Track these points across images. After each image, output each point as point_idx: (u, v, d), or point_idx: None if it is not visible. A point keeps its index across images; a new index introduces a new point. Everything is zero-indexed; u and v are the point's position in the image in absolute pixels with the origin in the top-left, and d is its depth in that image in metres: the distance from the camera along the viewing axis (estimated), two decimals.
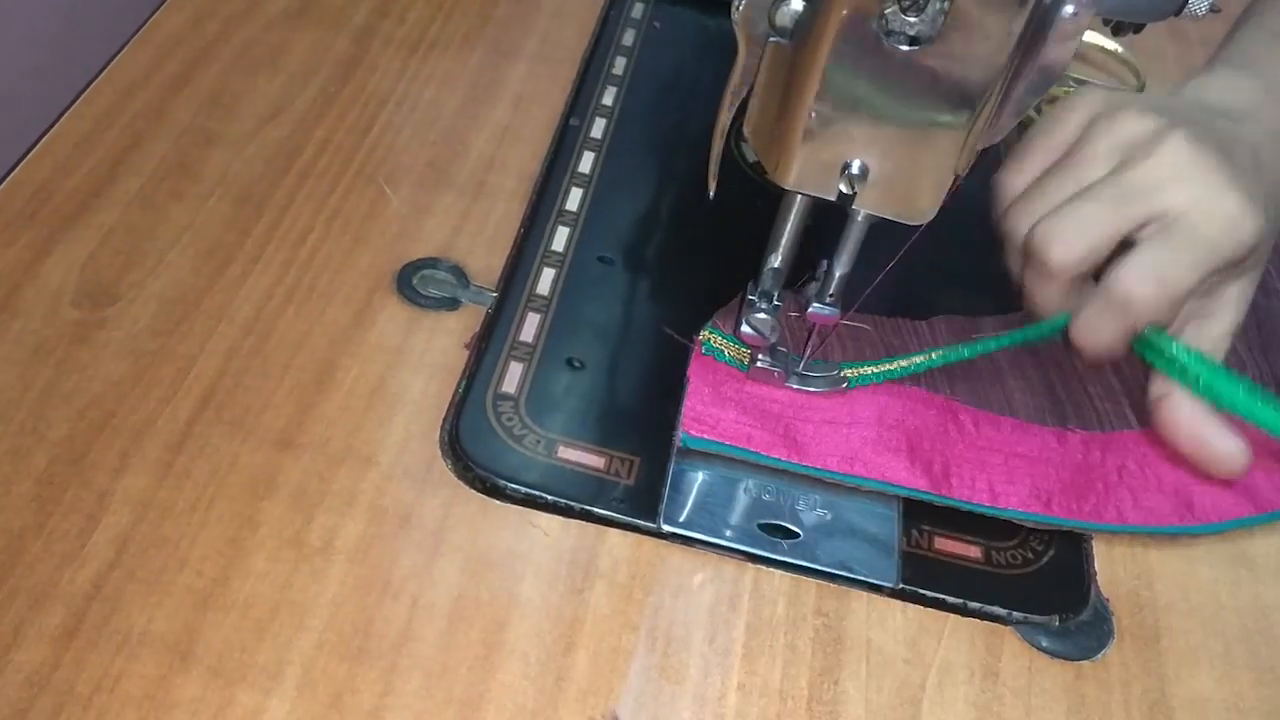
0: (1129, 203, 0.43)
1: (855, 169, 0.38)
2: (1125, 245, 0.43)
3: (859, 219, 0.41)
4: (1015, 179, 0.47)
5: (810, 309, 0.44)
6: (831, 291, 0.44)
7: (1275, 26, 0.54)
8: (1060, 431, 0.48)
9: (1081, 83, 0.67)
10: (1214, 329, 0.46)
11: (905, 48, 0.35)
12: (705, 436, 0.45)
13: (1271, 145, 0.47)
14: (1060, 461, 0.47)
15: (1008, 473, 0.46)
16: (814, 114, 0.37)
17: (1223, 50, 0.55)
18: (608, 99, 0.62)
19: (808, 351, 0.47)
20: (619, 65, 0.65)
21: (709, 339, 0.48)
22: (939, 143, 0.37)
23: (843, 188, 0.39)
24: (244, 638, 0.38)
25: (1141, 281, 0.42)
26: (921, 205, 0.39)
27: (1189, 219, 0.42)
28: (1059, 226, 0.43)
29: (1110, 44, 0.70)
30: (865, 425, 0.47)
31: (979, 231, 0.47)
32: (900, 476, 0.45)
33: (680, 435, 0.45)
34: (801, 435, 0.46)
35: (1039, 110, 0.64)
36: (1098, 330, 0.43)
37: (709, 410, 0.46)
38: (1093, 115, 0.46)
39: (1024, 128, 0.63)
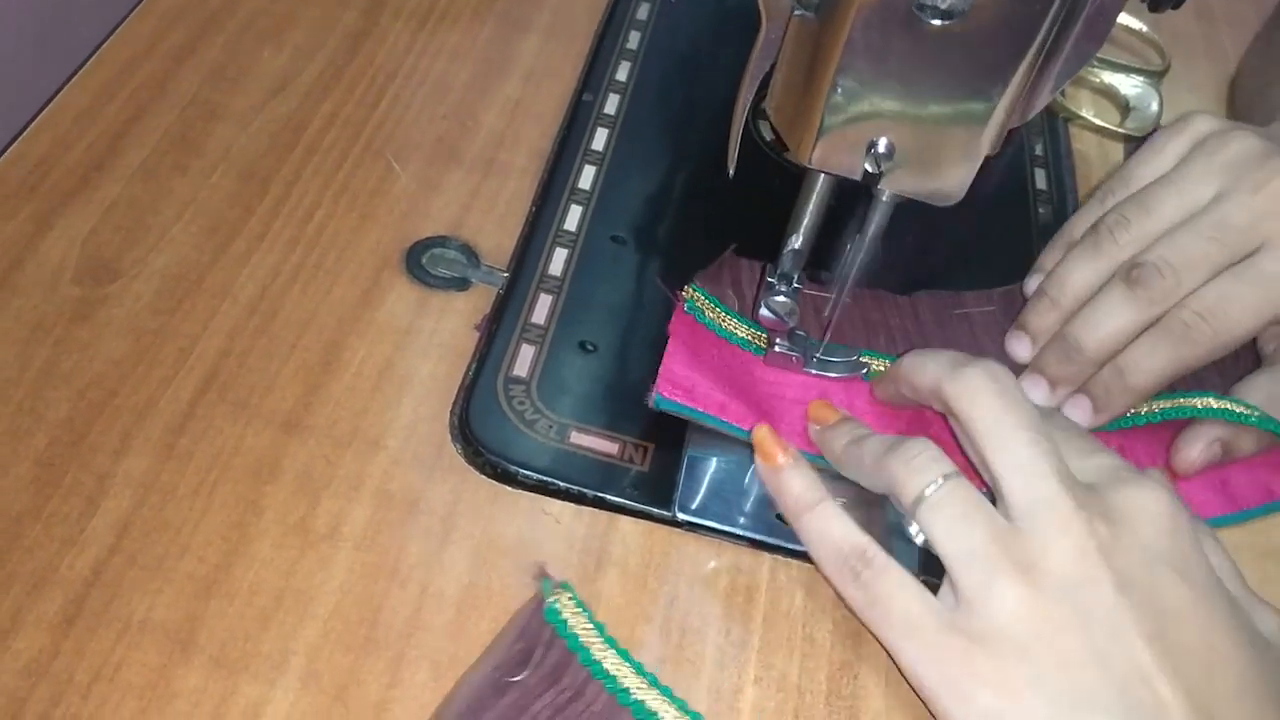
0: (1231, 238, 0.43)
1: (881, 148, 0.37)
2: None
3: (884, 199, 0.40)
4: (1120, 189, 0.47)
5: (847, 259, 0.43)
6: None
7: None
8: None
9: (1107, 63, 0.66)
10: None
11: (936, 22, 0.33)
12: (678, 400, 0.44)
13: None
14: None
15: None
16: (839, 90, 0.36)
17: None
18: (621, 74, 0.61)
19: (827, 336, 0.46)
20: (633, 39, 0.63)
21: (692, 297, 0.47)
22: (969, 121, 0.36)
23: (868, 167, 0.38)
24: (247, 626, 0.37)
25: (1200, 316, 0.43)
26: (950, 185, 0.38)
27: (1273, 252, 0.43)
28: (1173, 262, 0.43)
29: (1135, 23, 0.69)
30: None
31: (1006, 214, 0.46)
32: None
33: (653, 395, 0.44)
34: (773, 410, 0.45)
35: (1064, 94, 0.63)
36: (1154, 361, 0.44)
37: (685, 373, 0.45)
38: (1201, 136, 0.47)
39: (1050, 113, 0.62)
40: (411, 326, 0.47)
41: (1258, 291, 0.43)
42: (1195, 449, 0.44)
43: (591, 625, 0.37)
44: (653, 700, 0.36)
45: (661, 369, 0.44)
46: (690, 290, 0.47)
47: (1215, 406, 0.44)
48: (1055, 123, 0.62)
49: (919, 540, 0.37)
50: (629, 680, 0.36)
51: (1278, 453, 0.46)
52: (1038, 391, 0.45)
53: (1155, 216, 0.45)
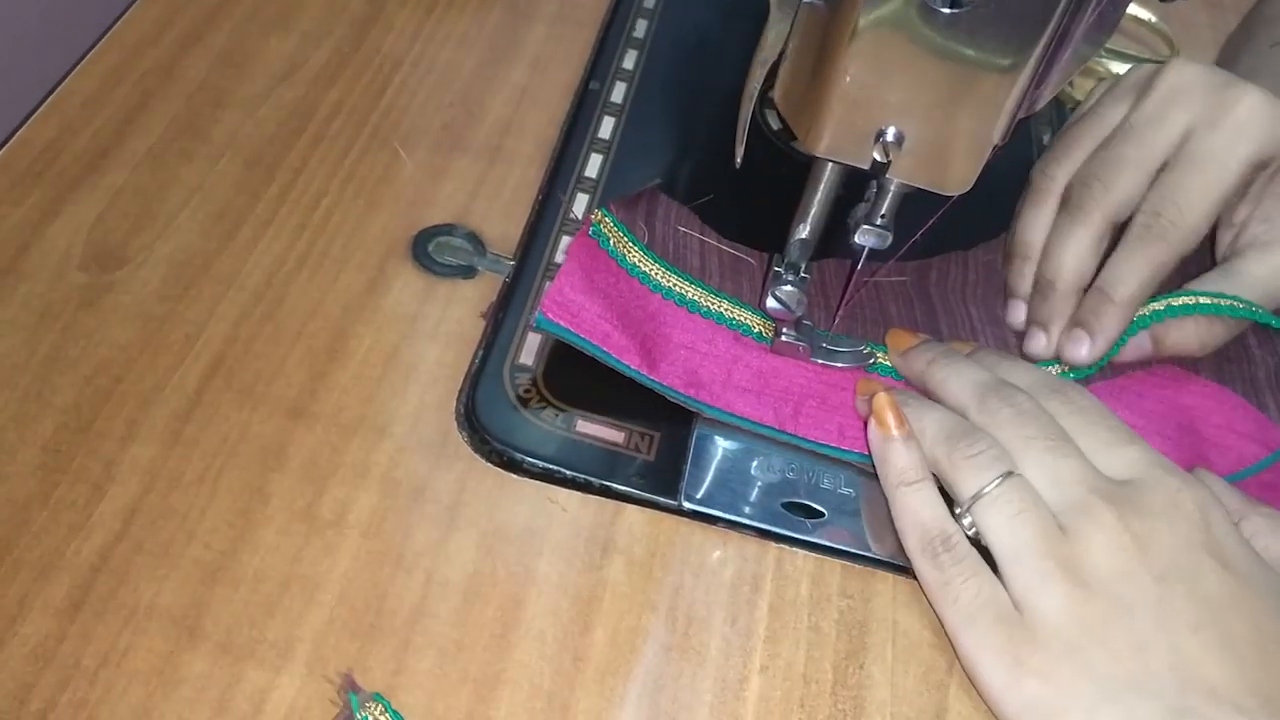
0: (1146, 135, 0.44)
1: (890, 136, 0.37)
2: None
3: (892, 188, 0.40)
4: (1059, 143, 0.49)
5: (859, 234, 0.42)
6: (883, 212, 0.42)
7: (1275, 38, 0.57)
8: None
9: (1114, 53, 0.65)
10: (1267, 263, 0.45)
11: (946, 10, 0.33)
12: (561, 323, 0.44)
13: None
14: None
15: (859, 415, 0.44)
16: (848, 79, 0.35)
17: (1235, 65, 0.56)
18: (628, 62, 0.61)
19: (837, 316, 0.46)
20: (640, 28, 0.63)
21: (599, 221, 0.47)
22: (978, 110, 0.36)
23: (877, 156, 0.37)
24: (253, 613, 0.37)
25: (1154, 213, 0.44)
26: (958, 175, 0.38)
27: (1196, 134, 0.44)
28: (1095, 171, 0.45)
29: (1144, 13, 0.68)
30: (720, 359, 0.45)
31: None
32: (742, 408, 0.44)
33: (536, 315, 0.44)
34: (657, 349, 0.45)
35: (1072, 84, 0.63)
36: (1130, 269, 0.44)
37: (575, 297, 0.44)
38: (1114, 81, 0.49)
39: (1059, 103, 0.62)
40: (418, 314, 0.47)
41: (1196, 176, 0.43)
42: (1126, 350, 0.45)
43: None
44: None
45: (551, 289, 0.44)
46: (599, 214, 0.47)
47: (1160, 308, 0.45)
48: (1063, 112, 0.62)
49: (970, 532, 0.38)
50: None
51: (1245, 420, 0.46)
52: (1037, 342, 0.46)
53: (1077, 146, 0.47)
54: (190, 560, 0.39)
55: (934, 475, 0.40)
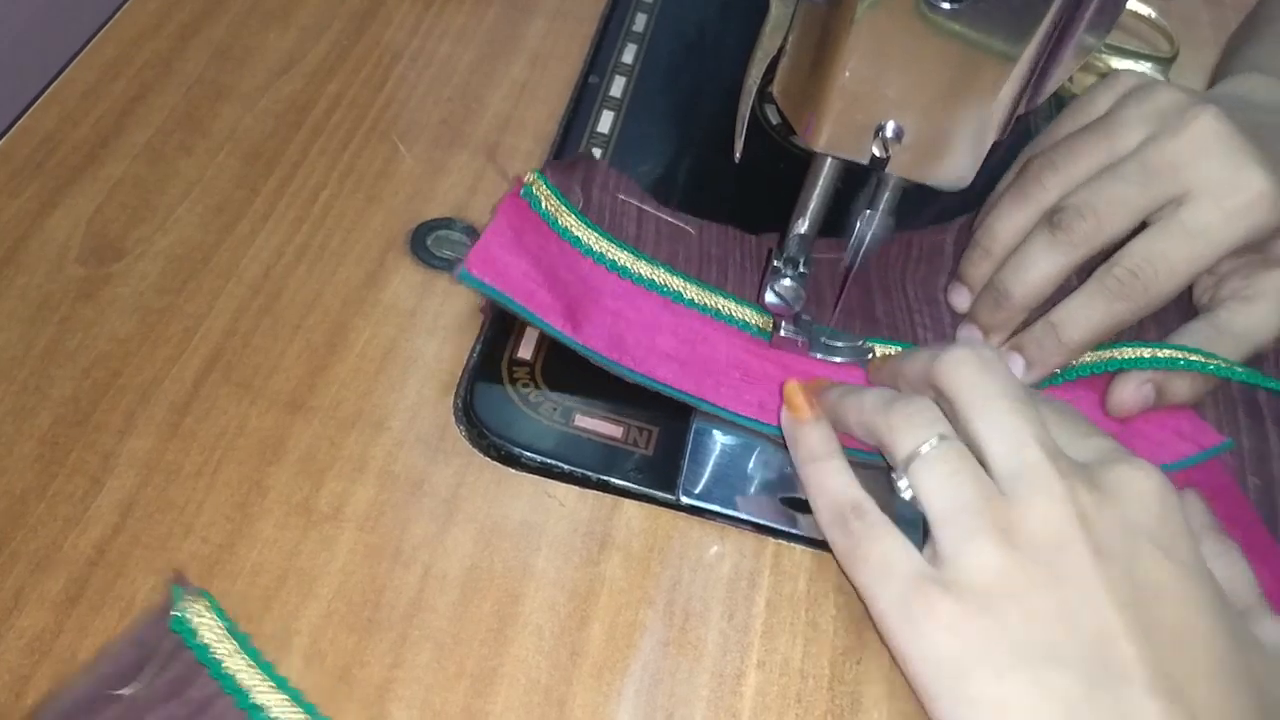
0: (1153, 182, 0.43)
1: (890, 131, 0.37)
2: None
3: (891, 184, 0.40)
4: (1045, 142, 0.47)
5: (860, 226, 0.42)
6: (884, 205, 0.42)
7: None
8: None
9: (1115, 49, 0.65)
10: (1249, 316, 0.45)
11: (946, 4, 0.33)
12: (485, 280, 0.44)
13: None
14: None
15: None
16: (848, 73, 0.35)
17: (1240, 58, 0.56)
18: (628, 57, 0.60)
19: (836, 310, 0.46)
20: (640, 22, 0.63)
21: (532, 184, 0.47)
22: (978, 105, 0.36)
23: (876, 151, 0.37)
24: (250, 607, 0.37)
25: (1131, 273, 0.43)
26: (958, 170, 0.38)
27: (1198, 203, 0.43)
28: (1092, 203, 0.44)
29: (1144, 8, 0.68)
30: (646, 325, 0.45)
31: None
32: (664, 375, 0.44)
33: (459, 269, 0.44)
34: (581, 312, 0.45)
35: (1072, 80, 0.63)
36: (1087, 316, 0.44)
37: (503, 254, 0.44)
38: (1129, 89, 0.47)
39: (1058, 99, 0.62)
40: (416, 308, 0.47)
41: (1184, 246, 0.43)
42: (1127, 390, 0.45)
43: (229, 636, 0.35)
44: (291, 717, 0.34)
45: (478, 245, 0.44)
46: (532, 176, 0.47)
47: (1145, 356, 0.44)
48: (1062, 108, 0.62)
49: (906, 496, 0.37)
50: (265, 696, 0.34)
51: (1180, 417, 0.46)
52: (973, 338, 0.46)
53: (1081, 161, 0.46)
54: (188, 553, 0.38)
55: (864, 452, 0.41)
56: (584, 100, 0.57)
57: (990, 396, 0.37)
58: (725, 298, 0.47)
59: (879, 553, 0.36)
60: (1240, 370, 0.44)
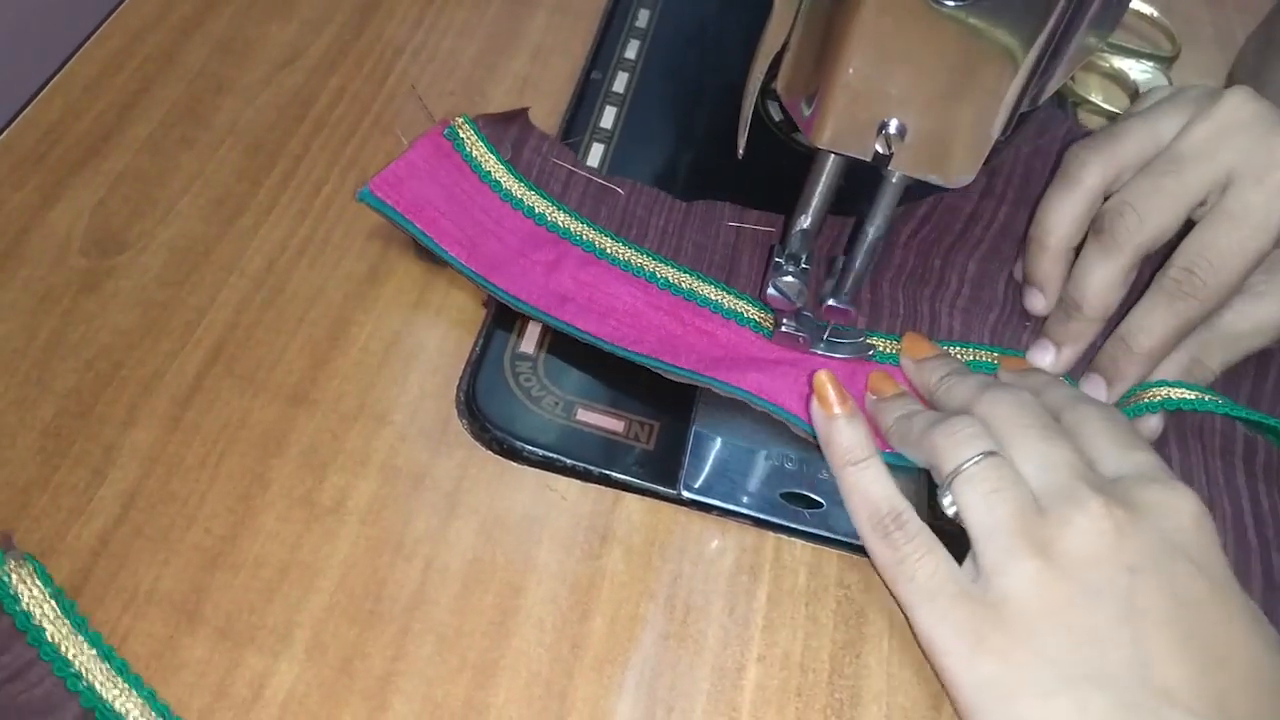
0: (1188, 167, 0.43)
1: (893, 129, 0.37)
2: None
3: (894, 180, 0.40)
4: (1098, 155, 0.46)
5: (827, 303, 0.43)
6: (848, 289, 0.43)
7: None
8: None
9: (1117, 48, 0.65)
10: (1257, 312, 0.44)
11: (951, 2, 0.33)
12: (388, 201, 0.44)
13: None
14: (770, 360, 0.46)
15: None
16: (852, 70, 0.35)
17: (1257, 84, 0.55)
18: (630, 52, 0.60)
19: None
20: (642, 17, 0.63)
21: (457, 126, 0.47)
22: (981, 103, 0.36)
23: (879, 148, 0.37)
24: (253, 599, 0.38)
25: (1186, 270, 0.43)
26: (960, 167, 0.38)
27: (1239, 185, 0.42)
28: (1130, 200, 0.43)
29: (1146, 8, 0.68)
30: (545, 264, 0.46)
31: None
32: (558, 311, 0.45)
33: (363, 189, 0.44)
34: (487, 247, 0.45)
35: (1073, 78, 0.63)
36: (1153, 322, 0.43)
37: (409, 181, 0.45)
38: (1177, 89, 0.47)
39: (1061, 98, 0.62)
40: (419, 302, 0.47)
41: (1233, 232, 0.42)
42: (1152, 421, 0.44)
43: (51, 600, 0.35)
44: (109, 687, 0.33)
45: (386, 169, 0.45)
46: (460, 121, 0.47)
47: (1208, 400, 0.44)
48: (1064, 107, 0.62)
49: (950, 512, 0.38)
50: (86, 663, 0.34)
51: None
52: (1045, 355, 0.46)
53: (1120, 144, 0.45)
54: (190, 545, 0.39)
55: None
56: (586, 95, 0.57)
57: (1025, 426, 0.38)
58: (648, 256, 0.48)
59: (925, 571, 0.37)
60: (1257, 416, 0.44)
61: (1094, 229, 0.44)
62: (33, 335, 0.43)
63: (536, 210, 0.47)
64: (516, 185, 0.48)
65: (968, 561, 0.37)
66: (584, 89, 0.58)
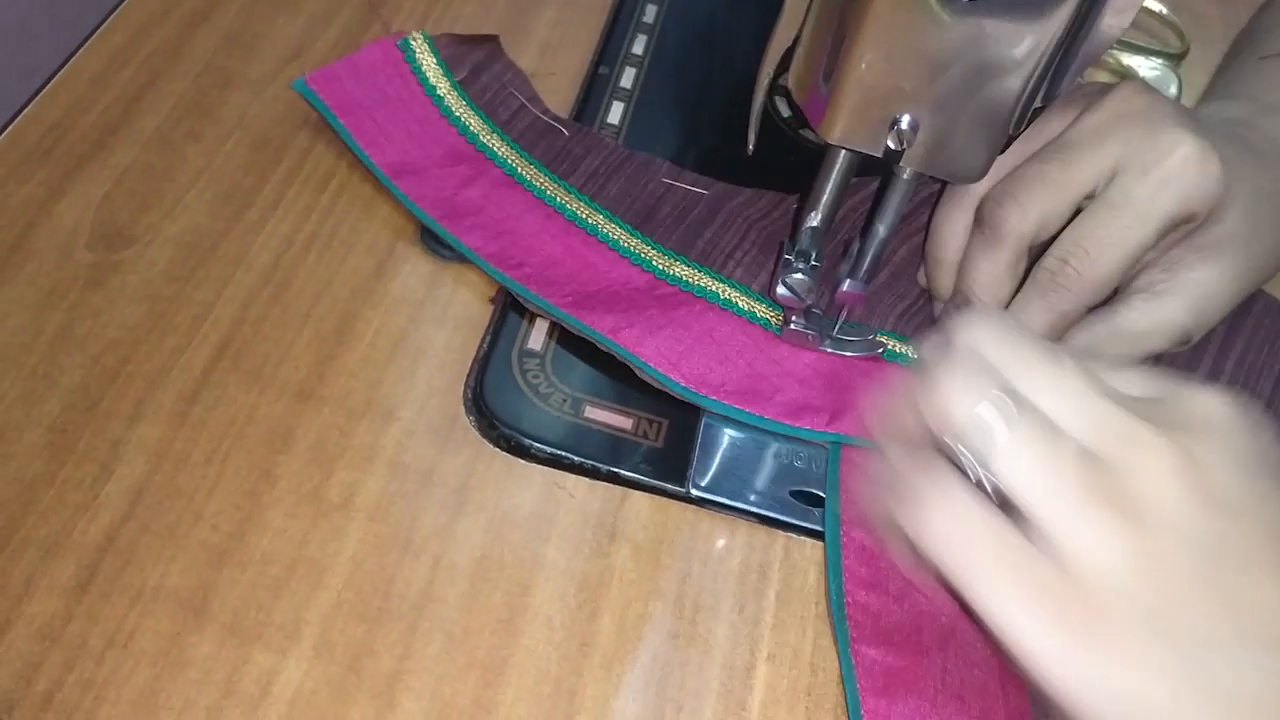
0: (1072, 156, 0.41)
1: (905, 124, 0.36)
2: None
3: (905, 177, 0.40)
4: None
5: (843, 287, 0.43)
6: (865, 269, 0.42)
7: (1262, 52, 0.53)
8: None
9: (1125, 45, 0.65)
10: (1159, 311, 0.42)
11: None
12: (320, 95, 0.46)
13: (1272, 152, 0.44)
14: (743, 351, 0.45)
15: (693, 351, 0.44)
16: (864, 65, 0.35)
17: (1212, 87, 0.55)
18: (638, 48, 0.60)
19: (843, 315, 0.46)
20: (650, 13, 0.63)
21: (411, 38, 0.48)
22: (994, 99, 0.36)
23: (890, 144, 0.37)
24: (260, 595, 0.37)
25: (1060, 260, 0.41)
26: (972, 164, 0.38)
27: (1123, 175, 0.41)
28: (1012, 190, 0.42)
29: (1155, 5, 0.68)
30: (469, 182, 0.47)
31: None
32: (471, 241, 0.46)
33: (299, 80, 0.46)
34: (408, 154, 0.47)
35: (1083, 75, 0.62)
36: (1027, 316, 0.42)
37: (347, 80, 0.47)
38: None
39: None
40: (426, 298, 0.47)
41: (1111, 221, 0.40)
42: None
43: None
44: None
45: (327, 66, 0.46)
46: (417, 37, 0.47)
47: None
48: None
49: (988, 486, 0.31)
50: None
51: None
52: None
53: (1010, 152, 0.43)
54: (197, 542, 0.38)
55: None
56: (594, 90, 0.57)
57: (1027, 358, 0.31)
58: (563, 188, 0.49)
59: (983, 540, 0.30)
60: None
61: (976, 220, 0.43)
62: (39, 330, 0.43)
63: (471, 129, 0.48)
64: (458, 103, 0.49)
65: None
66: (591, 84, 0.57)
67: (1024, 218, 0.41)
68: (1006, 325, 0.32)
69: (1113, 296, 0.43)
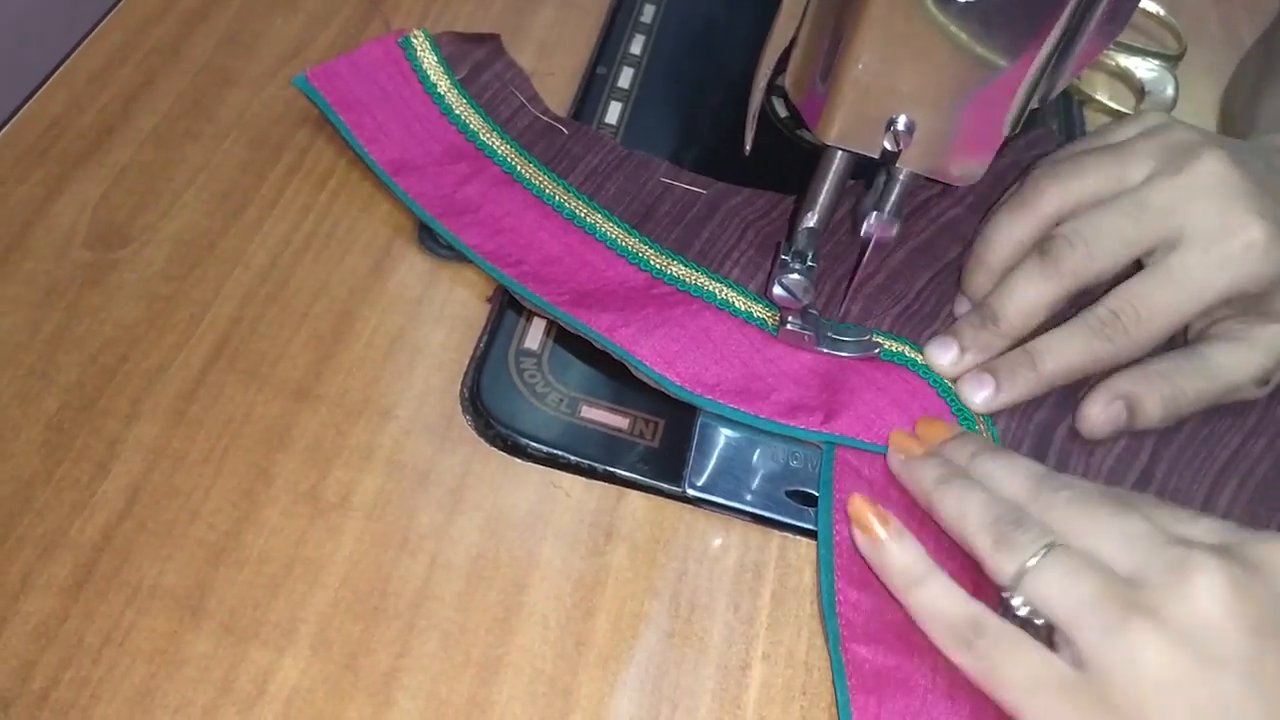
0: (1146, 219, 0.42)
1: (901, 125, 0.37)
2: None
3: (901, 178, 0.40)
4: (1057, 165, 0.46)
5: (868, 221, 0.42)
6: (893, 202, 0.41)
7: None
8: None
9: (1123, 46, 0.65)
10: (1230, 355, 0.43)
11: None
12: (320, 91, 0.46)
13: None
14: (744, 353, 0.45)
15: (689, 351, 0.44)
16: (861, 66, 0.35)
17: (1265, 107, 0.55)
18: (635, 48, 0.60)
19: (845, 303, 0.46)
20: (648, 13, 0.63)
21: (412, 36, 0.48)
22: (990, 100, 0.36)
23: (887, 145, 0.37)
24: (257, 594, 0.37)
25: (1113, 313, 0.42)
26: (968, 165, 0.38)
27: (1187, 248, 0.42)
28: (1085, 234, 0.42)
29: (1153, 6, 0.68)
30: (467, 180, 0.47)
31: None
32: (469, 239, 0.46)
33: (299, 75, 0.46)
34: (407, 151, 0.47)
35: (1079, 76, 0.63)
36: (1065, 350, 0.43)
37: (350, 79, 0.47)
38: (1152, 125, 0.46)
39: (1067, 96, 0.62)
40: (423, 297, 0.47)
41: (1167, 291, 0.42)
42: (1095, 408, 0.43)
43: None
44: None
45: (328, 62, 0.46)
46: (418, 34, 0.48)
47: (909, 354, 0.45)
48: (1070, 105, 0.62)
49: (1024, 613, 0.35)
50: None
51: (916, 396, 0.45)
52: (946, 354, 0.45)
53: (1085, 177, 0.44)
54: (194, 540, 0.38)
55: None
56: (592, 91, 0.57)
57: (1092, 510, 0.36)
58: (563, 187, 0.49)
59: (1019, 672, 0.34)
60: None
61: (1039, 249, 0.43)
62: (36, 329, 0.43)
63: (471, 127, 0.48)
64: (458, 100, 0.49)
65: (1063, 650, 0.34)
66: (589, 84, 0.57)
67: (1090, 264, 0.42)
68: (1075, 484, 0.37)
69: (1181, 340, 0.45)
